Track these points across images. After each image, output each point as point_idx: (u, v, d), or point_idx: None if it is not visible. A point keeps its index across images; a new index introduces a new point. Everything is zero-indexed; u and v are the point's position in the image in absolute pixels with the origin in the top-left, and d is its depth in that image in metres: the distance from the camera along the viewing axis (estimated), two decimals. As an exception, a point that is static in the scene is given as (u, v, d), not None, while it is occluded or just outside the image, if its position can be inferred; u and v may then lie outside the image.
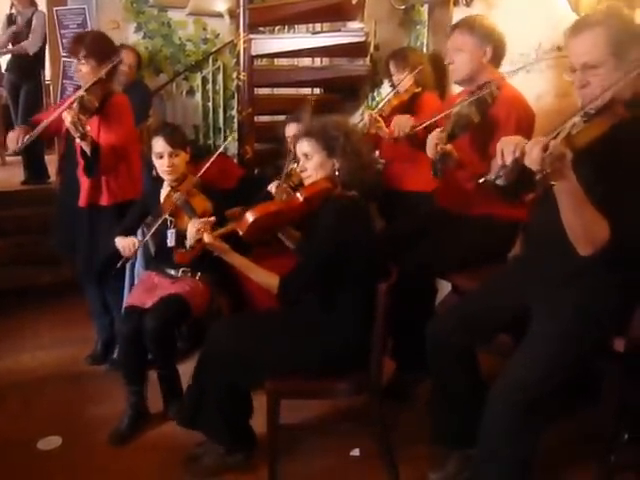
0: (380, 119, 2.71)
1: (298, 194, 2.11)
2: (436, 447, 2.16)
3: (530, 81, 2.74)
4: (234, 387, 2.10)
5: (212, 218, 2.25)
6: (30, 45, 5.08)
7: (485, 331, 1.98)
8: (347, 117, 2.55)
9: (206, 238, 2.10)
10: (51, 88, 5.23)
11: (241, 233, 2.08)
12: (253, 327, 2.16)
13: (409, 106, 2.97)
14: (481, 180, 1.56)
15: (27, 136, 2.64)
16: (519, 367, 1.71)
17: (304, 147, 2.10)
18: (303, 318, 2.12)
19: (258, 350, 2.06)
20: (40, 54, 5.17)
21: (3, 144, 5.96)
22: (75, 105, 2.52)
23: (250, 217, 2.06)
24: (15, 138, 2.67)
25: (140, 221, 2.75)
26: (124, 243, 2.53)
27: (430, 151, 2.19)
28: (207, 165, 2.48)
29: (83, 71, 2.72)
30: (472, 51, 2.39)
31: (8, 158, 6.02)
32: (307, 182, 2.13)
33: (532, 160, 1.44)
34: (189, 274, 2.64)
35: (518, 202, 1.90)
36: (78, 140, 2.56)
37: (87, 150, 2.59)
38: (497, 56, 2.43)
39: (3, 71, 5.65)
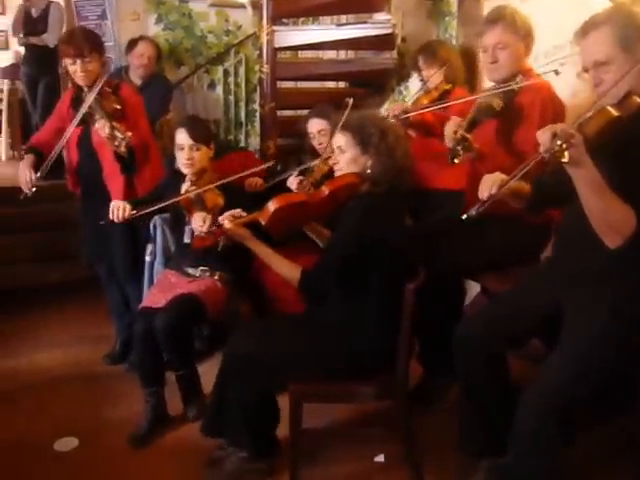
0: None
1: (324, 187, 2.13)
2: (464, 455, 2.15)
3: (564, 76, 2.72)
4: (259, 393, 2.11)
5: (238, 210, 2.24)
6: (51, 38, 5.13)
7: (516, 335, 1.98)
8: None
9: (227, 224, 2.12)
10: (69, 81, 5.27)
11: (263, 223, 2.10)
12: (276, 329, 2.18)
13: (439, 104, 2.96)
14: (464, 217, 1.69)
15: (37, 175, 2.67)
16: (553, 372, 1.71)
17: (339, 140, 2.13)
18: (327, 319, 2.14)
19: (281, 352, 2.07)
20: (57, 47, 5.21)
21: (21, 139, 6.07)
22: (101, 118, 2.53)
23: (272, 206, 2.08)
24: (26, 181, 2.68)
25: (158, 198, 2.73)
26: (117, 204, 2.53)
27: (448, 137, 2.19)
28: (248, 172, 2.54)
29: (90, 69, 2.71)
30: (517, 47, 2.35)
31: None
32: (337, 175, 2.16)
33: (542, 142, 1.53)
34: (207, 273, 2.66)
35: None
36: (116, 149, 2.57)
37: (124, 153, 2.62)
38: (531, 48, 2.42)
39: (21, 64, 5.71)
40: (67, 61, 2.72)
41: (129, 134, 2.53)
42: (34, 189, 2.68)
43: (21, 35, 5.30)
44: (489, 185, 1.74)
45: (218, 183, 2.49)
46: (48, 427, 2.58)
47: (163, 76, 4.29)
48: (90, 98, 2.62)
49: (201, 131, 2.63)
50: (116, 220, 2.51)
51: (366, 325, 2.06)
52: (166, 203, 2.49)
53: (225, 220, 2.15)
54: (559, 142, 1.49)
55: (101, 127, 2.52)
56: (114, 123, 2.51)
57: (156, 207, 2.53)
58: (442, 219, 2.61)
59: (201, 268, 2.67)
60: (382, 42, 3.93)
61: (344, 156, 2.12)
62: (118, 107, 2.64)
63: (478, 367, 1.96)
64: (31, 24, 5.22)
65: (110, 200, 2.78)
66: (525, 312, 1.94)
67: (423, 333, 2.45)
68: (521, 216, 2.28)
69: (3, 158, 6.32)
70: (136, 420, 2.55)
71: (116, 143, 2.51)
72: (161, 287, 2.68)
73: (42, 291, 3.94)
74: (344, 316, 2.10)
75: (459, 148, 2.14)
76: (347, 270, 2.04)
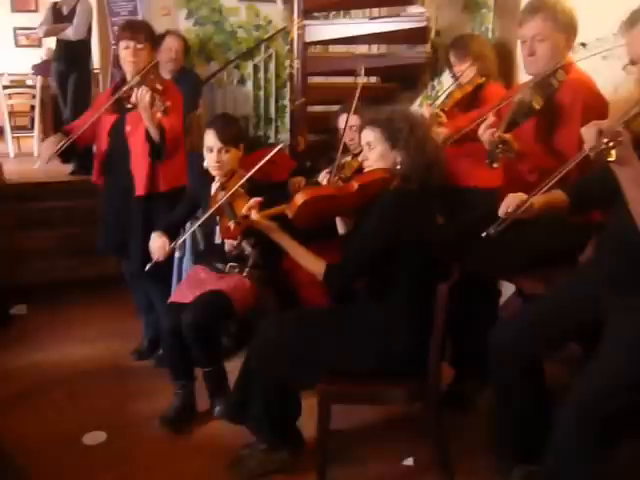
0: (442, 114, 2.67)
1: (353, 181, 2.11)
2: (496, 461, 2.12)
3: (607, 69, 2.64)
4: (282, 385, 2.11)
5: (259, 198, 2.24)
6: (73, 31, 5.14)
7: (553, 339, 1.93)
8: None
9: (253, 215, 2.12)
10: (100, 77, 5.34)
11: (290, 215, 2.09)
12: (304, 324, 2.16)
13: (472, 99, 2.91)
14: (484, 234, 1.74)
15: (59, 144, 2.73)
16: (593, 379, 1.66)
17: (368, 136, 2.11)
18: (356, 317, 2.12)
19: (309, 350, 2.07)
20: (87, 41, 5.25)
21: (54, 129, 6.15)
22: (142, 87, 2.58)
23: (300, 199, 2.06)
24: (46, 152, 2.75)
25: (187, 217, 2.79)
26: (155, 245, 2.57)
27: (486, 139, 2.15)
28: (256, 168, 2.46)
29: (140, 56, 2.75)
30: (557, 40, 2.27)
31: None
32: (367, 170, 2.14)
33: (587, 139, 1.50)
34: (237, 270, 2.66)
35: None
36: (148, 123, 2.60)
37: (154, 133, 2.65)
38: (573, 41, 2.35)
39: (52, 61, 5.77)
40: (121, 45, 2.77)
41: (168, 103, 2.55)
42: (47, 161, 2.76)
43: (43, 27, 5.34)
44: (507, 204, 1.79)
45: (244, 179, 2.46)
46: (77, 420, 2.62)
47: (193, 72, 4.30)
48: (134, 80, 2.66)
49: (231, 132, 2.60)
50: (161, 259, 2.55)
51: (397, 325, 2.03)
52: (207, 215, 2.49)
53: (252, 211, 2.14)
54: (605, 140, 1.45)
55: (141, 95, 2.55)
56: (154, 93, 2.54)
57: (191, 230, 2.57)
58: (477, 218, 2.55)
59: (230, 264, 2.67)
60: (415, 36, 3.89)
61: (373, 152, 2.10)
62: (160, 87, 2.66)
63: (513, 371, 1.92)
64: (60, 21, 5.26)
65: (132, 193, 2.85)
66: (563, 315, 1.89)
67: (455, 334, 2.41)
68: (561, 215, 2.23)
69: (35, 153, 6.42)
70: (157, 416, 2.58)
71: (153, 110, 2.54)
72: (190, 282, 2.69)
73: (74, 285, 4.01)
74: (375, 315, 2.08)
75: (498, 151, 2.09)
76: (375, 268, 2.02)
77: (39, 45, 8.16)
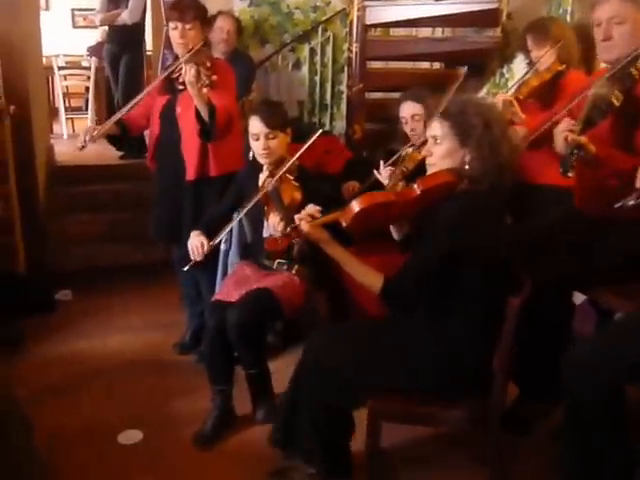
0: (515, 103, 2.47)
1: (415, 185, 1.93)
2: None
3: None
4: (333, 406, 1.97)
5: (315, 208, 2.10)
6: (128, 15, 5.15)
7: (638, 367, 1.71)
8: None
9: (303, 226, 1.97)
10: (152, 59, 5.31)
11: (344, 224, 1.93)
12: (356, 339, 2.02)
13: (551, 87, 2.69)
14: (617, 205, 1.54)
15: (96, 130, 2.70)
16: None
17: (435, 129, 1.93)
18: (413, 330, 1.97)
19: (361, 366, 1.92)
20: (141, 24, 5.26)
21: (107, 118, 6.18)
22: (188, 63, 2.51)
23: (356, 207, 1.90)
24: (88, 129, 2.72)
25: (231, 211, 2.69)
26: (194, 243, 2.51)
27: (559, 144, 1.93)
28: (304, 148, 2.35)
29: (189, 36, 2.68)
30: (637, 23, 2.05)
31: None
32: (430, 170, 1.96)
33: None
34: (285, 267, 2.56)
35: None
36: (197, 100, 2.54)
37: (204, 111, 2.57)
38: None
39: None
40: (170, 26, 2.72)
41: (214, 77, 2.49)
42: (83, 144, 2.71)
43: (99, 15, 5.37)
44: None
45: (292, 161, 2.38)
46: (114, 416, 2.59)
47: (246, 54, 4.21)
48: (182, 59, 2.60)
49: (276, 117, 2.51)
50: (198, 259, 2.50)
51: (459, 341, 1.87)
52: (243, 212, 2.43)
53: (302, 221, 1.99)
54: None
55: (187, 70, 2.49)
56: (200, 68, 2.48)
57: (236, 220, 2.49)
58: (550, 221, 2.34)
59: (278, 261, 2.58)
60: (485, 19, 3.72)
61: (439, 148, 1.92)
62: (208, 64, 2.59)
63: (588, 401, 1.71)
64: (116, 5, 5.25)
65: (184, 178, 2.79)
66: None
67: (522, 350, 2.20)
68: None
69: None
70: (202, 416, 2.50)
71: (199, 85, 2.48)
72: (235, 279, 2.61)
73: (122, 271, 3.99)
74: (434, 329, 1.92)
75: (572, 158, 1.87)
76: (437, 279, 1.86)
77: (96, 27, 8.23)
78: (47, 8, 8.43)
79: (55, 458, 2.28)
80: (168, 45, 4.58)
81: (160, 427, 2.51)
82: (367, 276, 1.93)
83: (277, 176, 2.39)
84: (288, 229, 2.02)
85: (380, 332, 2.04)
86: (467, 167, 1.88)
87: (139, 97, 2.77)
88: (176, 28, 2.68)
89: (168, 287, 3.45)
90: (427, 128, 1.99)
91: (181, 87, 2.67)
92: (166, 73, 2.70)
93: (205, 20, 2.75)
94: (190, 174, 2.79)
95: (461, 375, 1.86)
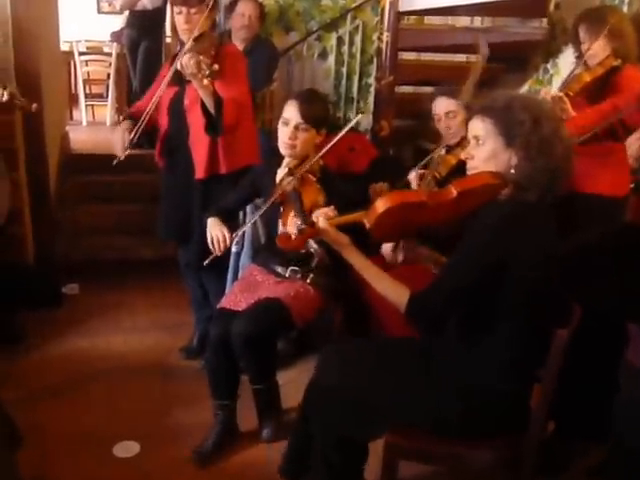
0: (566, 99, 2.27)
1: (451, 187, 1.71)
2: None
3: None
4: (346, 438, 1.80)
5: (331, 207, 1.95)
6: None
7: None
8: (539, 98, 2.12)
9: (321, 223, 1.78)
10: (171, 46, 5.21)
11: (368, 225, 1.73)
12: (374, 361, 1.84)
13: (603, 84, 2.46)
14: None
15: (131, 135, 2.60)
16: None
17: (477, 128, 1.71)
18: (440, 354, 1.78)
19: (378, 393, 1.74)
20: (162, 8, 5.16)
21: (127, 105, 6.10)
22: (188, 53, 2.37)
23: (382, 206, 1.69)
24: (121, 145, 2.63)
25: (241, 205, 2.57)
26: (215, 233, 2.33)
27: (633, 157, 1.71)
28: (329, 145, 2.16)
29: (195, 21, 2.53)
30: None
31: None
32: (471, 173, 1.76)
33: None
34: (299, 275, 2.39)
35: None
36: (202, 92, 2.41)
37: (210, 104, 2.44)
38: None
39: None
40: (175, 10, 2.59)
41: (216, 66, 2.34)
42: (127, 152, 2.64)
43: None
44: None
45: (316, 158, 2.21)
46: (112, 424, 2.50)
47: (269, 41, 4.07)
48: (186, 47, 2.46)
49: (315, 110, 2.31)
50: (219, 254, 2.32)
51: (492, 370, 1.68)
52: (260, 212, 2.27)
53: (319, 218, 1.80)
54: None
55: (186, 61, 2.35)
56: (201, 57, 2.34)
57: (252, 220, 2.36)
58: (602, 235, 2.11)
59: (292, 268, 2.40)
60: (530, 8, 3.54)
61: (481, 149, 1.70)
62: (212, 53, 2.49)
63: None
64: None
65: (193, 175, 2.66)
66: None
67: (563, 381, 1.99)
68: None
69: (108, 123, 6.38)
70: (204, 430, 2.38)
71: (200, 75, 2.34)
72: (244, 286, 2.45)
73: (132, 267, 3.88)
74: (464, 355, 1.72)
75: None
76: (472, 297, 1.65)
77: (120, 12, 8.20)
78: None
79: (45, 466, 2.20)
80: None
81: (158, 440, 2.40)
82: (391, 289, 1.73)
83: (298, 175, 2.22)
84: (303, 226, 1.80)
85: (402, 354, 1.86)
86: (513, 171, 1.66)
87: (153, 102, 2.62)
88: (180, 12, 2.54)
89: (179, 286, 3.27)
90: (467, 127, 1.78)
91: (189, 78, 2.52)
92: (174, 65, 2.52)
93: (213, 4, 2.59)
94: (199, 172, 2.66)
95: (492, 410, 1.66)
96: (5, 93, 2.48)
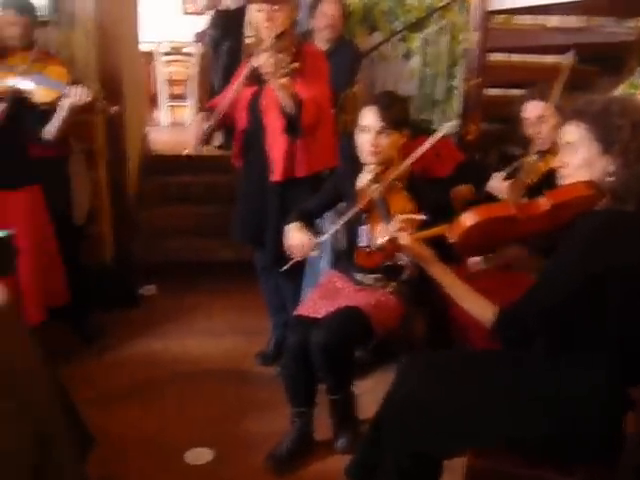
0: None
1: (544, 199, 1.64)
2: None
3: None
4: (421, 452, 1.74)
5: (419, 216, 1.89)
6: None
7: None
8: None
9: (403, 239, 1.74)
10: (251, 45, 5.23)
11: (452, 240, 1.68)
12: (457, 374, 1.78)
13: None
14: None
15: (206, 127, 2.62)
16: None
17: (570, 133, 1.63)
18: (528, 370, 1.70)
19: (460, 408, 1.68)
20: (243, 8, 5.15)
21: (208, 99, 6.20)
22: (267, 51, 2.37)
23: (468, 221, 1.64)
24: (195, 134, 2.65)
25: (323, 210, 2.52)
26: (296, 238, 2.28)
27: None
28: (420, 151, 2.11)
29: (276, 19, 2.51)
30: None
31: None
32: (563, 182, 1.67)
33: None
34: (381, 283, 2.34)
35: None
36: (280, 92, 2.39)
37: (289, 104, 2.41)
38: None
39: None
40: (255, 8, 2.56)
41: (296, 64, 2.35)
42: (200, 144, 2.67)
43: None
44: None
45: (405, 165, 2.17)
46: (183, 430, 2.49)
47: (352, 42, 4.00)
48: (266, 45, 2.45)
49: (395, 112, 2.26)
50: (300, 258, 2.29)
51: (585, 389, 1.59)
52: (344, 220, 2.22)
53: (400, 233, 1.75)
54: None
55: (265, 59, 2.35)
56: (281, 55, 2.35)
57: (335, 228, 2.28)
58: None
59: (374, 276, 2.35)
60: (627, 7, 3.35)
61: (576, 156, 1.62)
62: (293, 51, 2.47)
63: None
64: None
65: (269, 177, 2.64)
66: None
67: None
68: None
69: (188, 124, 6.50)
70: (278, 438, 2.38)
71: (278, 74, 2.34)
72: (323, 292, 2.42)
73: (209, 268, 3.91)
74: (555, 371, 1.64)
75: None
76: (565, 312, 1.57)
77: (204, 13, 8.34)
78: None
79: (114, 470, 2.21)
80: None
81: (232, 447, 2.41)
82: (476, 305, 1.68)
83: (386, 182, 2.17)
84: (385, 241, 1.78)
85: (487, 368, 1.79)
86: (610, 179, 1.57)
87: (227, 99, 2.63)
88: (261, 10, 2.51)
89: (256, 289, 3.25)
90: (559, 133, 1.69)
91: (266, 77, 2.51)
92: (250, 67, 2.53)
93: (292, 1, 2.60)
94: (276, 174, 2.63)
95: (583, 432, 1.57)
96: (89, 94, 2.52)
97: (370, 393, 2.22)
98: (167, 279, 3.81)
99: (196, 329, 3.36)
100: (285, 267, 2.28)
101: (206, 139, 2.66)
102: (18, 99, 2.55)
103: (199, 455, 2.33)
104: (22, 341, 1.67)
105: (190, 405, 2.66)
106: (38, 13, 2.90)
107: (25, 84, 2.54)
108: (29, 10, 2.78)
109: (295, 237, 2.29)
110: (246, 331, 3.29)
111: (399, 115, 2.28)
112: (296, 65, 2.35)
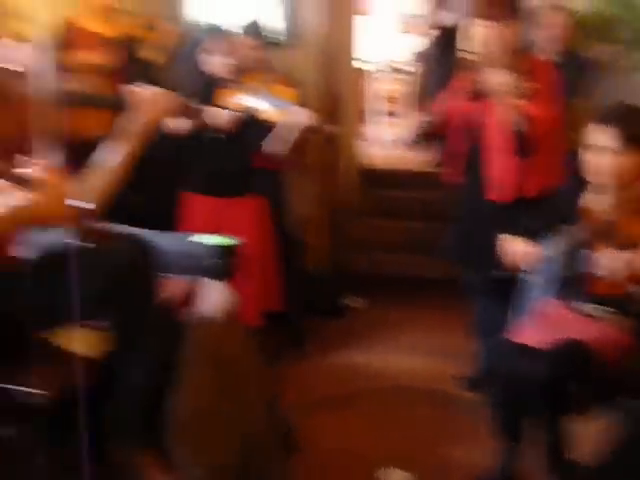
0: None
1: None
2: None
3: None
4: None
5: None
6: (450, 16, 5.04)
7: None
8: None
9: None
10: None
11: None
12: None
13: None
14: None
15: (421, 124, 2.67)
16: None
17: None
18: None
19: None
20: (457, 25, 5.13)
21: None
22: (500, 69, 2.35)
23: None
24: (409, 130, 2.68)
25: (549, 228, 2.33)
26: (519, 248, 2.20)
27: None
28: None
29: (505, 36, 2.45)
30: None
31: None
32: None
33: None
34: (613, 315, 2.14)
35: None
36: (511, 111, 2.39)
37: (520, 123, 2.40)
38: None
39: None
40: (478, 23, 2.52)
41: (534, 85, 2.30)
42: (410, 144, 2.85)
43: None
44: None
45: (630, 195, 2.01)
46: (379, 447, 2.44)
47: (580, 54, 3.77)
48: (492, 62, 2.47)
49: (637, 129, 2.06)
50: (524, 267, 2.26)
51: None
52: (570, 241, 2.14)
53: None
54: None
55: (499, 78, 2.35)
56: (515, 74, 2.32)
57: (560, 249, 2.17)
58: None
59: (603, 308, 2.16)
60: None
61: None
62: (525, 67, 2.42)
63: None
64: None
65: (487, 196, 2.59)
66: None
67: None
68: None
69: (403, 141, 6.58)
70: (474, 470, 2.27)
71: (512, 94, 2.31)
72: (541, 321, 2.26)
73: (417, 284, 3.89)
74: None
75: None
76: None
77: (421, 32, 8.41)
78: (370, 13, 8.86)
79: (309, 477, 2.23)
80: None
81: (424, 471, 2.29)
82: None
83: (619, 203, 2.03)
84: (625, 269, 1.65)
85: None
86: None
87: (446, 100, 2.67)
88: (489, 26, 2.46)
89: (465, 310, 3.16)
90: None
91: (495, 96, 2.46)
92: (477, 79, 2.53)
93: (520, 13, 2.52)
94: (504, 194, 2.57)
95: None
96: (312, 116, 2.66)
97: (586, 434, 2.03)
98: (374, 292, 3.83)
99: (400, 345, 3.34)
100: (497, 274, 2.24)
101: (418, 138, 2.68)
102: (249, 115, 2.76)
103: (390, 475, 2.29)
104: (245, 344, 1.76)
105: (387, 422, 2.64)
106: (274, 36, 3.13)
107: (256, 102, 2.75)
108: (263, 35, 3.02)
109: (519, 245, 2.22)
110: (451, 352, 3.19)
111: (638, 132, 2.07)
112: (534, 86, 2.31)
